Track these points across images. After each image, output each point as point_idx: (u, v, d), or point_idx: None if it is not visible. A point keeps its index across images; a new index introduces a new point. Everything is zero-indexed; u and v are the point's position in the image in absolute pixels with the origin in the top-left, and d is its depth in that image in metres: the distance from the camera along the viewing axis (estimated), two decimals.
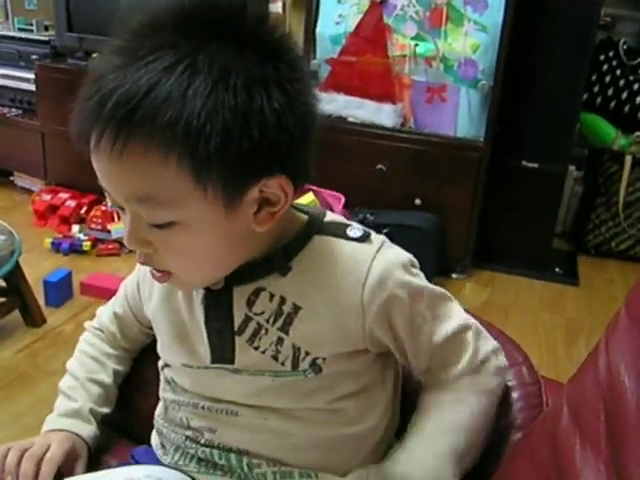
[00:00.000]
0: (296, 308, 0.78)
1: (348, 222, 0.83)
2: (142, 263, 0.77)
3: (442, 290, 0.83)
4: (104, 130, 0.66)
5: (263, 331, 0.79)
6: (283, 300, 0.79)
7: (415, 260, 0.83)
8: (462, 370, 0.82)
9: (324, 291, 0.78)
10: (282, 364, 0.79)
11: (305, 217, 0.82)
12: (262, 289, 0.79)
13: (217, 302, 0.81)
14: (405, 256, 0.81)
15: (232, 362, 0.81)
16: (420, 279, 0.81)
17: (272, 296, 0.79)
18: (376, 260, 0.78)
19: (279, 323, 0.79)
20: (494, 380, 0.85)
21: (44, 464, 0.88)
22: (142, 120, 0.65)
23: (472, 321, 0.85)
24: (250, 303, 0.80)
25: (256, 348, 0.80)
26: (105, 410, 0.97)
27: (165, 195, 0.68)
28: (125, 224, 0.74)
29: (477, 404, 0.82)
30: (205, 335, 0.82)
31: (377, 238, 0.81)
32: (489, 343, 0.86)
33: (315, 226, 0.81)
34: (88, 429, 0.94)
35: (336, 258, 0.79)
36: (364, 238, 0.80)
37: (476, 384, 0.83)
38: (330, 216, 0.84)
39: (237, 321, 0.80)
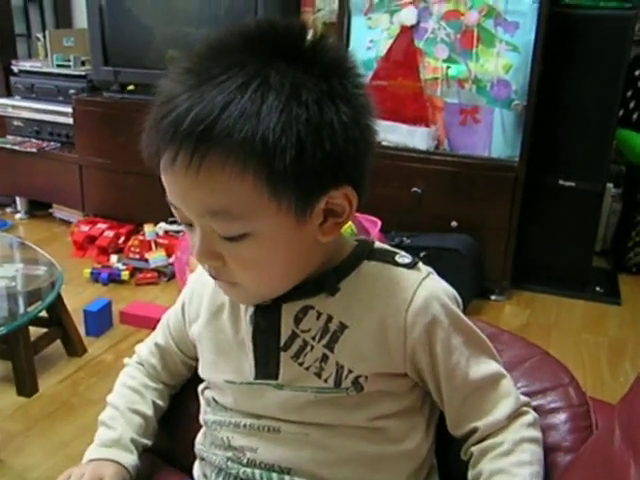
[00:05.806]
0: (342, 327, 0.80)
1: (397, 250, 0.85)
2: (213, 277, 0.80)
3: (483, 336, 0.84)
4: (180, 148, 0.68)
5: (309, 348, 0.81)
6: (330, 318, 0.80)
7: (460, 299, 0.84)
8: (502, 420, 0.81)
9: (370, 311, 0.80)
10: (325, 381, 0.80)
11: (354, 242, 0.85)
12: (310, 307, 0.81)
13: (265, 318, 0.83)
14: (451, 290, 0.83)
15: (276, 377, 0.82)
16: (463, 315, 0.82)
17: (319, 314, 0.81)
18: (422, 286, 0.80)
19: (325, 340, 0.80)
20: (535, 432, 0.82)
21: None
22: (219, 137, 0.67)
23: (506, 373, 0.84)
24: (297, 320, 0.81)
25: (300, 364, 0.81)
26: (146, 441, 0.96)
27: (240, 208, 0.71)
28: (193, 240, 0.76)
29: (535, 456, 0.80)
30: (251, 350, 0.84)
31: (425, 268, 0.83)
32: (523, 396, 0.85)
33: (365, 251, 0.84)
34: (130, 458, 0.92)
35: (383, 281, 0.81)
36: (412, 265, 0.83)
37: (523, 439, 0.80)
38: (379, 244, 0.86)
39: (284, 337, 0.82)
